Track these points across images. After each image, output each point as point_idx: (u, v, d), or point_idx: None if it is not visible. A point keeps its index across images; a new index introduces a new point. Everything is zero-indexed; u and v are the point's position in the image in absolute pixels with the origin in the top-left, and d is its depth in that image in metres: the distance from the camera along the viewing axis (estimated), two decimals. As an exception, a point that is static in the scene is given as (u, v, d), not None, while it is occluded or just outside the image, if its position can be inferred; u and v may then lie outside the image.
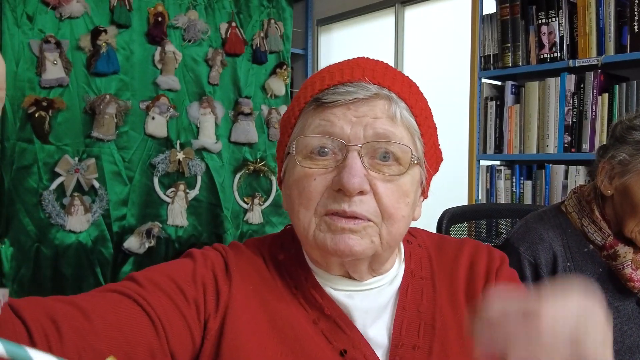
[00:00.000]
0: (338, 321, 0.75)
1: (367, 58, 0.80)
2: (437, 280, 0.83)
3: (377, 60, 0.80)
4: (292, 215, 0.76)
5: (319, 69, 4.07)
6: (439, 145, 0.82)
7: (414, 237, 0.89)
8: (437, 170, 0.83)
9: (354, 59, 0.80)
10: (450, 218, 1.70)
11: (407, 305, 0.79)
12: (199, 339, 0.72)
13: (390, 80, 0.75)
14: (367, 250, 0.72)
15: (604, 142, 1.30)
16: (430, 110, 0.81)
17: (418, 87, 0.80)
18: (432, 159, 0.79)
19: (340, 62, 0.79)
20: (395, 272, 0.82)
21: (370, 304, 0.78)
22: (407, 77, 0.80)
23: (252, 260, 0.80)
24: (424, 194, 0.81)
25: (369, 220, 0.71)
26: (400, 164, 0.72)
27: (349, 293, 0.78)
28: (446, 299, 0.81)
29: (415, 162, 0.73)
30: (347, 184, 0.68)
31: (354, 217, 0.70)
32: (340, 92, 0.72)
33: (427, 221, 1.05)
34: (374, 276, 0.79)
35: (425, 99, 0.81)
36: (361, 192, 0.70)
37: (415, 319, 0.78)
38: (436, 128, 0.82)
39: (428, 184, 0.80)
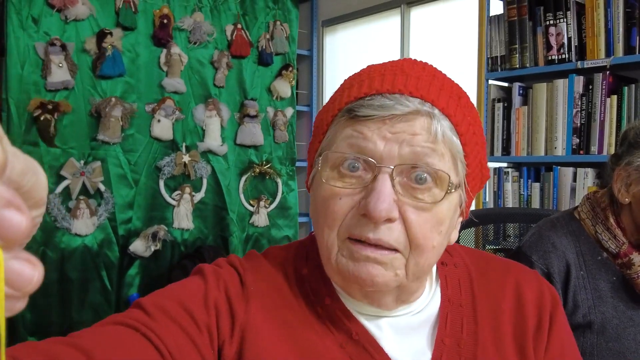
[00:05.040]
0: (367, 346, 0.69)
1: (414, 61, 0.71)
2: (479, 308, 0.75)
3: (424, 65, 0.71)
4: (316, 229, 0.71)
5: (324, 70, 4.01)
6: (485, 163, 0.74)
7: (449, 255, 0.80)
8: (481, 189, 0.76)
9: (398, 61, 0.71)
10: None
11: (446, 338, 0.72)
12: None
13: (436, 92, 0.66)
14: (390, 282, 0.65)
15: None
16: (480, 124, 0.72)
17: (468, 98, 0.72)
18: (477, 179, 0.72)
19: (384, 64, 0.71)
20: (426, 298, 0.75)
21: (401, 331, 0.72)
22: (457, 86, 0.71)
23: (272, 276, 0.74)
24: (464, 215, 0.74)
25: (396, 250, 0.64)
26: (437, 187, 0.65)
27: (375, 319, 0.72)
28: (489, 335, 0.74)
29: (453, 190, 0.66)
30: (373, 211, 0.62)
31: (379, 247, 0.64)
32: (375, 107, 0.64)
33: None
34: (402, 306, 0.73)
35: (476, 112, 0.72)
36: (389, 220, 0.63)
37: (454, 355, 0.71)
38: (484, 143, 0.73)
39: (468, 206, 0.73)
